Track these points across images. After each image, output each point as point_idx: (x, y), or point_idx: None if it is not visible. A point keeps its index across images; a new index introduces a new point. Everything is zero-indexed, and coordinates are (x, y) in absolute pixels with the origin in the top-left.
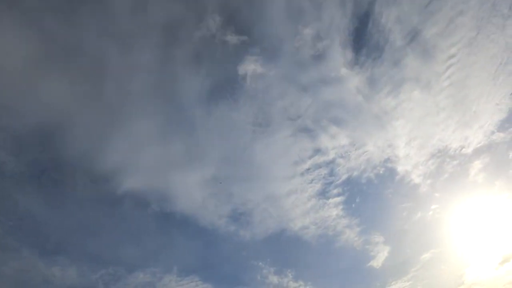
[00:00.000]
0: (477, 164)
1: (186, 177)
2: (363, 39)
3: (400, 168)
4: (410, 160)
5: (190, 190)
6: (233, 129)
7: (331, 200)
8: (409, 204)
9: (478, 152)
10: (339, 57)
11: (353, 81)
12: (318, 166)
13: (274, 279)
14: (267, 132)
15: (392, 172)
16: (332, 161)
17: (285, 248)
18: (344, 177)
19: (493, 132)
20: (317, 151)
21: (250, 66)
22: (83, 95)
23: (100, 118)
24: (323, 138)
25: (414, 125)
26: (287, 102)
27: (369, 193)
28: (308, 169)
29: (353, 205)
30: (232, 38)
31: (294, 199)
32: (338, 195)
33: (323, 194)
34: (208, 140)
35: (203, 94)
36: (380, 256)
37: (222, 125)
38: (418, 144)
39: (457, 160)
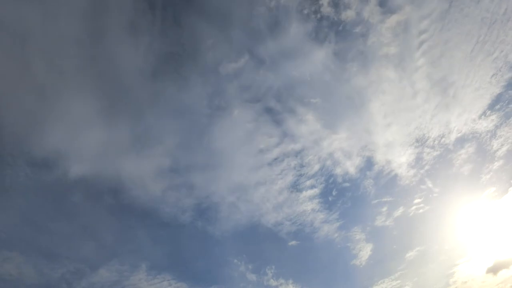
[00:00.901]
0: (461, 155)
1: (140, 166)
2: (322, 9)
3: (379, 157)
4: (389, 149)
5: (146, 180)
6: (186, 112)
7: (304, 194)
8: (390, 198)
9: (460, 142)
10: (299, 26)
11: (318, 56)
12: (287, 155)
13: (252, 277)
14: (225, 116)
15: (369, 161)
16: (302, 149)
17: (261, 244)
18: (316, 167)
19: (474, 120)
20: (284, 137)
21: (198, 37)
22: (7, 73)
23: (30, 98)
24: (289, 122)
25: (389, 109)
26: (245, 79)
27: (346, 186)
28: (276, 158)
29: (330, 198)
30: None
31: (263, 191)
32: (312, 187)
33: (294, 186)
34: (159, 124)
35: (146, 71)
36: (363, 254)
37: (173, 107)
38: (396, 131)
39: (438, 150)
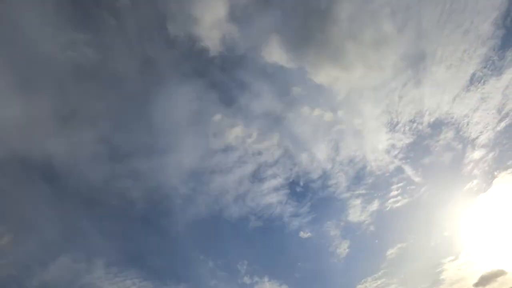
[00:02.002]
0: (439, 142)
1: (73, 151)
2: None
3: (349, 143)
4: (357, 133)
5: (83, 168)
6: (116, 86)
7: (267, 184)
8: (363, 190)
9: (435, 127)
10: None
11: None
12: (241, 139)
13: (223, 274)
14: (164, 92)
15: (337, 145)
16: (258, 133)
17: (227, 240)
18: (277, 153)
19: (448, 103)
20: (235, 117)
21: None
22: None
23: None
24: (242, 99)
25: (355, 85)
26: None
27: (313, 176)
28: (230, 143)
29: (298, 190)
30: None
31: (221, 182)
32: (274, 176)
33: (255, 176)
34: (87, 101)
35: (63, 36)
36: (341, 251)
37: (101, 79)
38: (364, 112)
39: (410, 137)
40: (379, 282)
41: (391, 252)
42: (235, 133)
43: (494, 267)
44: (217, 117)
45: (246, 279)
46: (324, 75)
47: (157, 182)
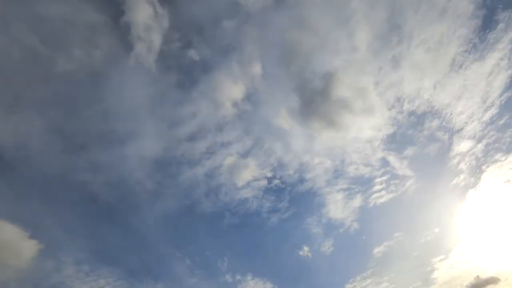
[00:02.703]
0: (424, 131)
1: (22, 138)
2: None
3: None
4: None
5: (37, 158)
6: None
7: (242, 177)
8: (344, 185)
9: (418, 116)
10: None
11: None
12: (207, 128)
13: (202, 272)
14: (115, 65)
15: (313, 137)
16: (225, 122)
17: (203, 237)
18: (248, 143)
19: (428, 90)
20: (197, 104)
21: None
22: None
23: None
24: (203, 84)
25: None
26: None
27: (289, 167)
28: (195, 132)
29: (273, 183)
30: None
31: (190, 175)
32: (247, 169)
33: (222, 166)
34: (27, 81)
35: None
36: (325, 250)
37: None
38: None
39: (390, 128)
40: (368, 281)
41: (378, 250)
42: (199, 121)
43: (486, 266)
44: (175, 102)
45: (228, 277)
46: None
47: (120, 175)
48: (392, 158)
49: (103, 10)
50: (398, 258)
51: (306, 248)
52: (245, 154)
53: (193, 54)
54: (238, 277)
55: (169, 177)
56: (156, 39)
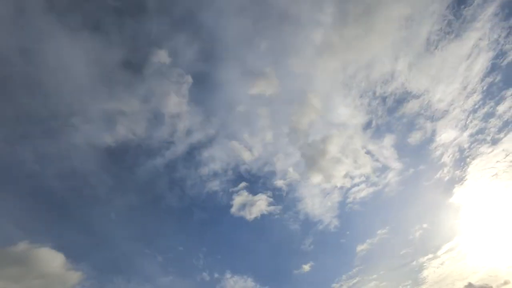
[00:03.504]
0: (403, 120)
1: None
2: None
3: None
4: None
5: None
6: None
7: (206, 169)
8: (319, 177)
9: (393, 102)
10: None
11: None
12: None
13: (176, 270)
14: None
15: (280, 119)
16: (177, 113)
17: (173, 233)
18: (212, 131)
19: (403, 72)
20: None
21: None
22: None
23: None
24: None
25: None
26: None
27: (257, 158)
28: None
29: (242, 176)
30: None
31: (150, 166)
32: (213, 160)
33: (189, 159)
34: None
35: None
36: (306, 248)
37: None
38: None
39: (368, 113)
40: (354, 280)
41: (361, 248)
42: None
43: (477, 264)
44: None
45: (206, 275)
46: None
47: (70, 166)
48: (370, 148)
49: None
50: (384, 256)
51: (285, 246)
52: (208, 143)
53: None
54: (216, 275)
55: (125, 169)
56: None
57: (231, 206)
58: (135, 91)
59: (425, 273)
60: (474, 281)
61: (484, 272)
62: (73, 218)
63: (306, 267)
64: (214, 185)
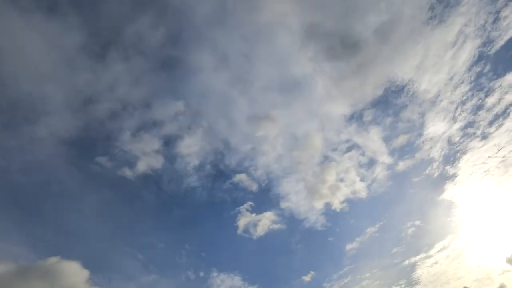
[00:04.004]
0: (390, 110)
1: None
2: None
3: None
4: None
5: None
6: None
7: (183, 163)
8: (304, 173)
9: (385, 93)
10: None
11: None
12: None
13: (159, 268)
14: None
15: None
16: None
17: (152, 230)
18: (186, 121)
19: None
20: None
21: None
22: None
23: None
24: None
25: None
26: None
27: (238, 152)
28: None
29: (222, 170)
30: None
31: (121, 160)
32: (189, 150)
33: (164, 151)
34: None
35: None
36: (293, 247)
37: None
38: None
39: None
40: (346, 279)
41: (351, 247)
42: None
43: (471, 263)
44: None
45: (190, 274)
46: None
47: (36, 160)
48: (357, 140)
49: None
50: (376, 254)
51: (269, 243)
52: (183, 134)
53: None
54: (202, 273)
55: (95, 163)
56: None
57: (210, 202)
58: (100, 78)
59: (418, 272)
60: (469, 282)
61: (479, 271)
62: (42, 215)
63: (292, 264)
64: (193, 181)
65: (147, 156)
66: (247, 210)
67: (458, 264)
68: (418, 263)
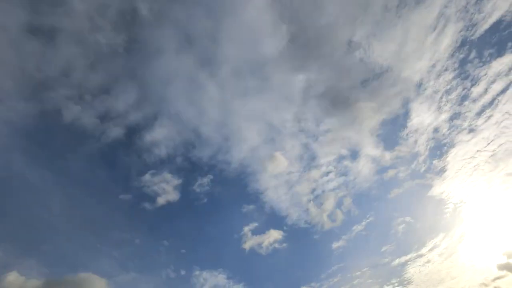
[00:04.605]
0: (367, 93)
1: None
2: None
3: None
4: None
5: None
6: None
7: (152, 156)
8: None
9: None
10: None
11: None
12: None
13: (136, 266)
14: None
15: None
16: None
17: (124, 226)
18: (150, 110)
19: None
20: None
21: None
22: None
23: None
24: None
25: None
26: None
27: (208, 143)
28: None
29: (193, 161)
30: None
31: (84, 150)
32: (157, 144)
33: (128, 144)
34: None
35: None
36: (277, 246)
37: None
38: None
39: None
40: (335, 279)
41: (337, 245)
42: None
43: (463, 262)
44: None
45: (170, 272)
46: None
47: None
48: (338, 130)
49: None
50: (365, 253)
51: (254, 241)
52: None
53: None
54: (183, 272)
55: (56, 155)
56: None
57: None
58: (50, 61)
59: (410, 271)
60: (463, 283)
61: (474, 271)
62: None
63: (276, 264)
64: (164, 174)
65: (113, 148)
66: (221, 205)
67: (452, 263)
68: (409, 262)
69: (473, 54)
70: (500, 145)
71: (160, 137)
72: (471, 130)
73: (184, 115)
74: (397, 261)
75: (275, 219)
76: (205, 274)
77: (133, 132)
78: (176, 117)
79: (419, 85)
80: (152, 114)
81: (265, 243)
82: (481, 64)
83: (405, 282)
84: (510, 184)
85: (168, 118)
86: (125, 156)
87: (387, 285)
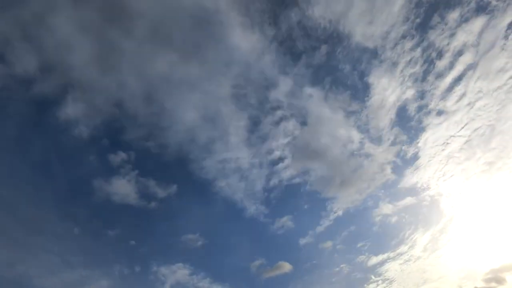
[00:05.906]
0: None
1: None
2: None
3: None
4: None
5: None
6: None
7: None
8: (224, 153)
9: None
10: None
11: None
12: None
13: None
14: None
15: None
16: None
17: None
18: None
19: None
20: None
21: None
22: None
23: None
24: None
25: None
26: None
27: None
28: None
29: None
30: None
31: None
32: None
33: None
34: None
35: None
36: (236, 243)
37: None
38: None
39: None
40: (331, 279)
41: (305, 241)
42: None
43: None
44: None
45: (123, 267)
46: None
47: None
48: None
49: None
50: (341, 250)
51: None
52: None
53: None
54: (137, 268)
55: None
56: None
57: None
58: None
59: (389, 269)
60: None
61: (459, 269)
62: None
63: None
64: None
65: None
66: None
67: (436, 262)
68: (388, 261)
69: (435, 19)
70: (476, 129)
71: (76, 112)
72: (440, 112)
73: (100, 87)
74: (375, 258)
75: (230, 212)
76: (164, 269)
77: (43, 106)
78: (90, 88)
79: (374, 54)
80: (60, 86)
81: None
82: (442, 32)
83: (387, 281)
84: (490, 174)
85: (81, 89)
86: (35, 132)
87: (367, 284)
